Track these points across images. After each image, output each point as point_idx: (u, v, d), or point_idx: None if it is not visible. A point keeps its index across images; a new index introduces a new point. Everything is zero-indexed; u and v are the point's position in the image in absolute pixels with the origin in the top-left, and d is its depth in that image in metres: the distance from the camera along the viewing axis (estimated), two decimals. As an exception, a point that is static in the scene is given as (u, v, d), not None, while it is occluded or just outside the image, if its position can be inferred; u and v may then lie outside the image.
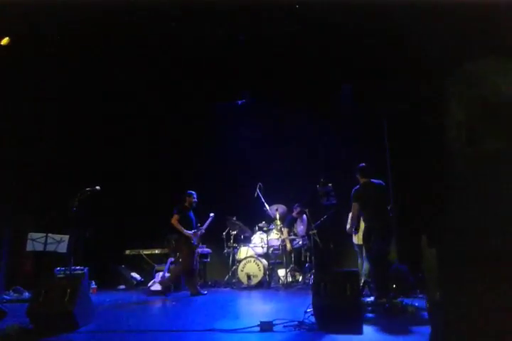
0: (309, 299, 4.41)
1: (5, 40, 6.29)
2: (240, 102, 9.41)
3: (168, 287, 7.01)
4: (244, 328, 3.73)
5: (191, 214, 7.28)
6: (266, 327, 3.72)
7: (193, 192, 7.34)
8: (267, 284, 7.86)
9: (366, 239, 5.34)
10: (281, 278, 8.03)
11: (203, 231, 7.43)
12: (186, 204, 7.25)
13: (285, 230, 8.52)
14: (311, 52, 7.54)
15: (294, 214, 8.61)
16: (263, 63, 7.87)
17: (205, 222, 7.46)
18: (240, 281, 7.81)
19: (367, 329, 3.62)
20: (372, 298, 4.96)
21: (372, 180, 5.59)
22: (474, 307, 0.72)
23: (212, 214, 7.57)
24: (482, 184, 0.79)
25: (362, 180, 5.58)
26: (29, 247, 7.05)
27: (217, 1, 6.12)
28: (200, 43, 7.33)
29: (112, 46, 7.22)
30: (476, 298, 0.72)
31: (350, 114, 8.22)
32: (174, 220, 7.01)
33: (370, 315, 4.27)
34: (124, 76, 7.80)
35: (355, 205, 5.45)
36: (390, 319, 4.21)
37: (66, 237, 7.16)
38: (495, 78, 0.82)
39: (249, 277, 7.74)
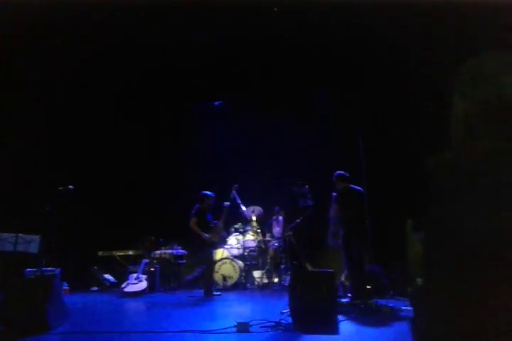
0: (285, 300, 4.44)
1: None
2: (216, 103, 9.41)
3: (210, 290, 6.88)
4: (221, 329, 3.72)
5: (208, 215, 7.17)
6: (242, 328, 3.71)
7: (211, 194, 7.20)
8: (242, 285, 7.85)
9: (345, 241, 5.41)
10: (257, 279, 8.03)
11: (221, 224, 7.41)
12: (204, 205, 7.10)
13: (268, 234, 8.62)
14: (288, 56, 7.61)
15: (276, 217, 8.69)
16: (240, 65, 7.91)
17: (221, 214, 7.41)
18: (215, 283, 7.77)
19: (343, 329, 3.66)
20: (347, 299, 5.00)
21: (351, 185, 5.70)
22: (461, 294, 0.74)
23: (226, 203, 7.50)
24: (477, 180, 0.80)
25: (342, 185, 5.67)
26: (-2, 247, 6.86)
27: (197, 5, 6.12)
28: (180, 45, 7.31)
29: (90, 46, 7.16)
30: (463, 285, 0.74)
31: (327, 117, 8.29)
32: (192, 223, 6.89)
33: (345, 315, 4.30)
34: (102, 76, 7.72)
35: (336, 207, 5.56)
36: (365, 319, 4.26)
37: (37, 237, 6.99)
38: (501, 78, 0.84)
39: (224, 278, 7.71)
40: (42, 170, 8.09)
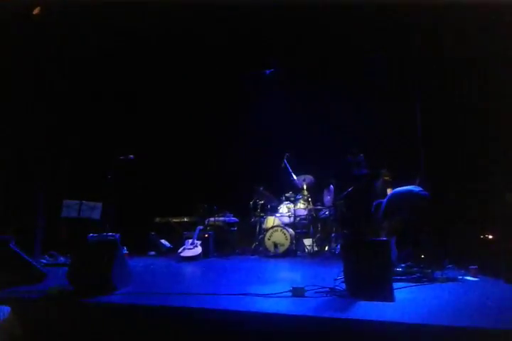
0: (336, 268, 4.48)
1: (37, 10, 6.34)
2: (268, 71, 9.31)
3: None
4: (276, 293, 3.82)
5: None
6: (298, 292, 3.79)
7: None
8: (293, 253, 7.98)
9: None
10: (308, 247, 8.12)
11: None
12: None
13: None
14: (342, 21, 7.34)
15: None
16: (293, 31, 7.73)
17: None
18: (267, 250, 7.94)
19: (398, 296, 3.66)
20: (401, 268, 4.98)
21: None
22: None
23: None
24: None
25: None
26: (64, 214, 7.28)
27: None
28: (229, 11, 7.21)
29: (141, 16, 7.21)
30: None
31: (382, 83, 8.02)
32: None
33: (400, 283, 4.31)
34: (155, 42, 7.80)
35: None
36: (420, 288, 4.25)
37: (99, 204, 7.35)
38: None
39: (276, 246, 7.86)
40: (105, 140, 8.43)
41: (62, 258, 7.12)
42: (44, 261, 6.95)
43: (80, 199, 7.18)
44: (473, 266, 4.87)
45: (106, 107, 8.68)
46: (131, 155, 6.48)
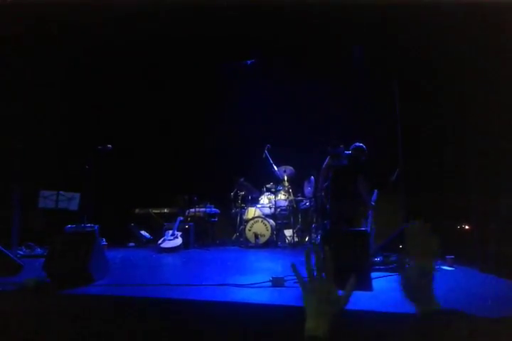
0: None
1: None
2: (249, 62, 9.24)
3: None
4: (256, 283, 3.83)
5: None
6: (278, 282, 3.81)
7: None
8: (274, 243, 8.00)
9: None
10: (288, 237, 8.16)
11: None
12: None
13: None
14: (322, 11, 7.31)
15: None
16: (273, 22, 7.66)
17: None
18: (247, 240, 7.96)
19: (376, 286, 3.71)
20: (379, 258, 5.05)
21: None
22: None
23: None
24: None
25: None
26: (41, 204, 7.15)
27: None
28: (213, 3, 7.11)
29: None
30: None
31: (362, 76, 8.04)
32: None
33: (378, 273, 4.36)
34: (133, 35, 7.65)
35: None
36: (398, 277, 4.30)
37: (77, 195, 7.24)
38: None
39: (256, 236, 7.88)
40: (82, 129, 8.28)
41: (39, 250, 7.00)
42: (21, 253, 6.82)
43: (57, 190, 7.06)
44: (449, 256, 4.96)
45: (83, 97, 8.50)
46: (110, 145, 6.38)
